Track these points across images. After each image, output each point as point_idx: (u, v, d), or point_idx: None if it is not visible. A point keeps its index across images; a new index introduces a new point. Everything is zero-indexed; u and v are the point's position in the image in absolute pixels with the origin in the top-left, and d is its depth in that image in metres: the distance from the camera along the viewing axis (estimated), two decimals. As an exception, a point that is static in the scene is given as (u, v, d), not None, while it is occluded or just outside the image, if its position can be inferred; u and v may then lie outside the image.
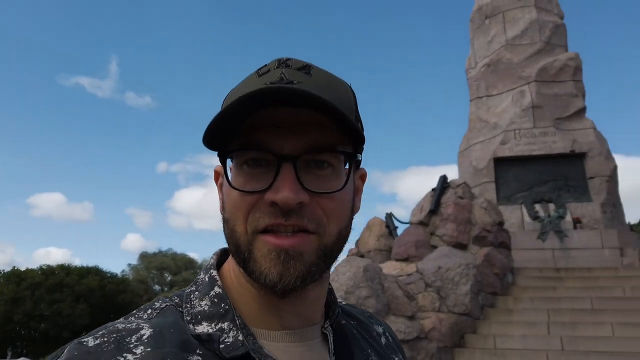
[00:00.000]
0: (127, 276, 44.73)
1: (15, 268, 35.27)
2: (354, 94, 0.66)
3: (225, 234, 0.61)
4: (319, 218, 0.58)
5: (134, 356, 0.53)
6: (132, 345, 0.54)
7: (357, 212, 0.67)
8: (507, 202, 11.52)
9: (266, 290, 0.58)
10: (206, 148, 0.58)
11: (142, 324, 0.57)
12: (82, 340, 0.55)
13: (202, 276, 0.66)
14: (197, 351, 0.57)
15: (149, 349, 0.54)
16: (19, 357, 18.11)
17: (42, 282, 26.93)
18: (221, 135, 0.58)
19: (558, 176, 11.45)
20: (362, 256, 10.91)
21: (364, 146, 0.64)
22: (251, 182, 0.58)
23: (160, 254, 53.55)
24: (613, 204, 11.28)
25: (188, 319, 0.60)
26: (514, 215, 11.30)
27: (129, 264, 52.19)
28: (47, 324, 26.60)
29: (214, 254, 0.69)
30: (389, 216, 11.90)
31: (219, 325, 0.59)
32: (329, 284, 0.69)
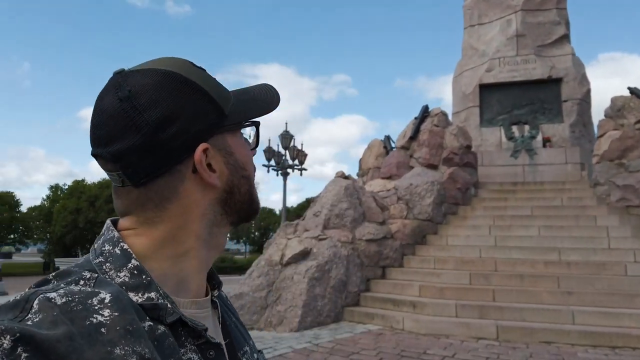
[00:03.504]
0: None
1: (76, 181, 39.70)
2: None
3: (241, 190, 0.66)
4: None
5: (104, 318, 0.51)
6: (97, 307, 0.51)
7: None
8: (489, 125, 13.15)
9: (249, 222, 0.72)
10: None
11: (97, 289, 0.54)
12: (48, 296, 0.50)
13: (109, 248, 0.61)
14: (147, 317, 0.56)
15: (116, 313, 0.52)
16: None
17: (100, 194, 30.94)
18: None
19: (535, 100, 12.87)
20: (362, 175, 13.03)
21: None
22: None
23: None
24: (583, 124, 12.73)
25: None
26: (494, 136, 12.99)
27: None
28: (108, 229, 30.86)
29: (110, 227, 0.63)
30: (387, 138, 13.79)
31: (147, 295, 0.58)
32: None
